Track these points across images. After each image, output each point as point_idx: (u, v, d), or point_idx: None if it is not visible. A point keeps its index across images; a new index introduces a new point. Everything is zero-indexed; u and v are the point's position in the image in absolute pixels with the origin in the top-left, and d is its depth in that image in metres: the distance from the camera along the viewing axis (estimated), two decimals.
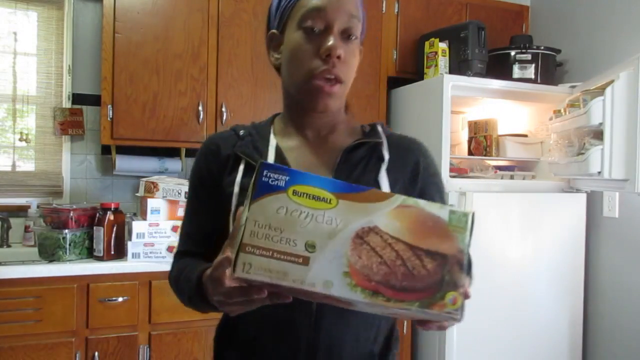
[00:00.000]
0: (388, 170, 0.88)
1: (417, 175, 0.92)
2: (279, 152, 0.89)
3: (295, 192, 0.62)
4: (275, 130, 0.95)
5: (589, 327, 2.54)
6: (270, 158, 0.88)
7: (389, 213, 0.62)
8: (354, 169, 0.87)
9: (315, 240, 0.61)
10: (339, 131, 0.93)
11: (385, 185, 0.86)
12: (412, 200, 0.63)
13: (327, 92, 0.83)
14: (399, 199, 0.63)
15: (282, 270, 0.60)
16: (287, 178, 0.63)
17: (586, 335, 2.54)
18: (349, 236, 0.61)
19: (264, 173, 0.63)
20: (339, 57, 0.81)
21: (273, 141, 0.91)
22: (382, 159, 0.89)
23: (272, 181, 0.63)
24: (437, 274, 0.61)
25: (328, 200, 0.62)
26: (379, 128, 0.94)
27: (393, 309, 0.60)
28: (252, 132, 0.94)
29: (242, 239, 0.61)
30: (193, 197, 0.96)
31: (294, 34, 0.84)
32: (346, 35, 0.84)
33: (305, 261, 0.61)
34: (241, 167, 0.88)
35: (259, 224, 0.62)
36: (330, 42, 0.81)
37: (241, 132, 0.94)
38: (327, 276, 0.60)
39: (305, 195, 0.62)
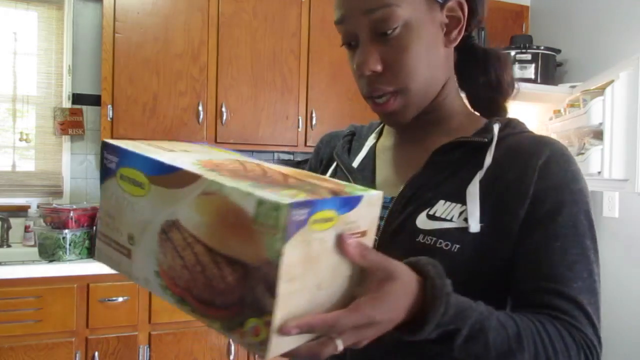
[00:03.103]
0: (485, 182, 0.64)
1: (523, 194, 0.63)
2: (371, 153, 0.80)
3: (122, 176, 0.54)
4: (385, 126, 0.84)
5: None
6: (359, 159, 0.79)
7: (191, 202, 0.48)
8: (438, 176, 0.68)
9: (134, 232, 0.53)
10: (446, 126, 0.74)
11: (473, 201, 0.63)
12: (217, 184, 0.45)
13: (386, 112, 0.70)
14: (204, 182, 0.46)
15: (117, 259, 0.56)
16: (117, 159, 0.54)
17: None
18: (156, 230, 0.51)
19: (104, 154, 0.56)
20: (374, 72, 0.66)
21: (371, 141, 0.82)
22: (481, 165, 0.66)
23: (109, 163, 0.55)
24: (237, 290, 0.45)
25: (142, 186, 0.52)
26: (495, 126, 0.70)
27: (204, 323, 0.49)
28: (362, 129, 0.86)
29: (97, 226, 0.59)
30: None
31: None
32: (380, 33, 0.65)
33: (129, 254, 0.54)
34: (331, 168, 0.81)
35: (103, 210, 0.57)
36: (356, 60, 0.67)
37: (347, 131, 0.86)
38: (145, 273, 0.53)
39: (128, 179, 0.53)
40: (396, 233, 0.67)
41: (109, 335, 2.01)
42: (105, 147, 0.55)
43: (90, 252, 2.10)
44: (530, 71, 2.56)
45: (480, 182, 0.64)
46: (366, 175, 0.76)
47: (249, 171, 0.51)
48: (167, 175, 0.49)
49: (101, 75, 2.28)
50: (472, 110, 0.79)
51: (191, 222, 0.48)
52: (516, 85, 0.78)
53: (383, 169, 0.77)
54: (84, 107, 2.54)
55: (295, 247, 0.42)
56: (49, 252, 2.04)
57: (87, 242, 2.09)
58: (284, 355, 0.48)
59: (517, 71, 2.57)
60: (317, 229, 0.44)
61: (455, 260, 0.62)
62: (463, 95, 0.80)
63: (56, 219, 2.05)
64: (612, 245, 2.44)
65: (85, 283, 1.97)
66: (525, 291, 0.62)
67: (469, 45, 0.76)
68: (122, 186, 0.54)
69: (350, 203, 0.47)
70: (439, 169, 0.69)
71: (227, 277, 0.45)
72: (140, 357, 2.05)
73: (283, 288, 0.43)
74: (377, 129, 0.84)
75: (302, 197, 0.43)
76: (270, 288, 0.42)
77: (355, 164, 0.79)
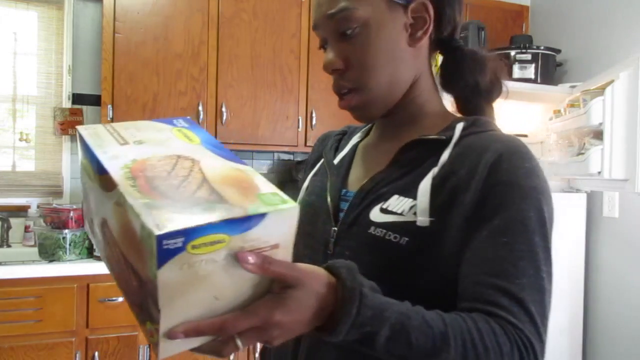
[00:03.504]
0: (439, 179, 0.66)
1: (473, 190, 0.64)
2: (352, 150, 0.83)
3: (84, 165, 0.57)
4: (373, 125, 0.87)
5: (589, 327, 2.54)
6: (340, 157, 0.84)
7: (111, 208, 0.50)
8: (397, 172, 0.71)
9: (92, 215, 0.59)
10: (419, 125, 0.76)
11: (423, 196, 0.65)
12: (123, 198, 0.46)
13: (349, 108, 0.74)
14: (117, 193, 0.47)
15: (92, 234, 0.62)
16: (83, 148, 0.58)
17: (586, 335, 2.54)
18: (99, 222, 0.55)
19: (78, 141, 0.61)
20: (337, 70, 0.72)
21: (355, 139, 0.86)
22: (437, 163, 0.68)
23: (81, 149, 0.59)
24: (139, 295, 0.48)
25: (92, 180, 0.54)
26: (459, 125, 0.71)
27: None
28: (355, 129, 0.89)
29: None
30: None
31: None
32: (341, 33, 0.70)
33: (93, 233, 0.61)
34: (318, 165, 0.87)
35: (83, 186, 0.63)
36: (324, 60, 0.73)
37: (339, 130, 0.91)
38: (100, 253, 0.60)
39: (85, 169, 0.57)
40: (351, 225, 0.70)
41: (109, 335, 2.01)
42: (78, 134, 0.58)
43: (90, 252, 2.10)
44: (530, 71, 2.56)
45: (434, 178, 0.66)
46: (341, 172, 0.80)
47: (170, 178, 0.49)
48: (102, 176, 0.51)
49: (101, 75, 2.28)
50: (457, 112, 0.80)
51: (114, 225, 0.50)
52: (504, 88, 0.78)
53: (357, 166, 0.81)
54: (84, 107, 2.54)
55: (171, 271, 0.43)
56: (49, 252, 2.04)
57: (87, 242, 2.09)
58: (193, 350, 0.52)
59: (517, 71, 2.57)
60: (200, 252, 0.44)
61: (403, 253, 0.64)
62: (449, 97, 0.81)
63: (56, 219, 2.05)
64: (612, 245, 2.44)
65: (85, 283, 1.97)
66: (468, 285, 0.61)
67: (453, 48, 0.78)
68: (84, 173, 0.58)
69: (246, 224, 0.46)
70: (401, 166, 0.71)
71: (133, 282, 0.48)
72: (141, 357, 2.05)
73: (165, 305, 0.45)
74: (365, 128, 0.87)
75: (180, 224, 0.42)
76: (155, 303, 0.45)
77: (336, 160, 0.83)
